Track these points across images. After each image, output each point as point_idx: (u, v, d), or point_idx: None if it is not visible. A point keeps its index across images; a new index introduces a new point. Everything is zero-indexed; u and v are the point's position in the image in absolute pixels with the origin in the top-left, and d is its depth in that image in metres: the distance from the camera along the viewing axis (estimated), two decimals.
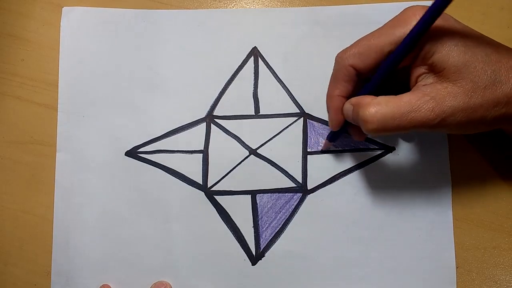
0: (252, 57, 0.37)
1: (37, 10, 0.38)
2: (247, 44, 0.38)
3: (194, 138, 0.37)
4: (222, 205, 0.36)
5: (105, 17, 0.38)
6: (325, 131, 0.37)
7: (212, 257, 0.36)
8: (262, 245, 0.36)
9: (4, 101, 0.38)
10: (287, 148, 0.36)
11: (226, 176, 0.36)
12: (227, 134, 0.37)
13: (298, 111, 0.37)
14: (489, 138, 0.36)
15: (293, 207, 0.36)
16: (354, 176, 0.36)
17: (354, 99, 0.30)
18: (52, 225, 0.36)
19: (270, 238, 0.36)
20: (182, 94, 0.37)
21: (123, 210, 0.36)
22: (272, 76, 0.37)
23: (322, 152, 0.36)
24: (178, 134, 0.37)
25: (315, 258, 0.35)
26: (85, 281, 0.35)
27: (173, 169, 0.36)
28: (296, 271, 0.35)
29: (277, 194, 0.36)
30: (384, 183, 0.36)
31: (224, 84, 0.37)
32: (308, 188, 0.36)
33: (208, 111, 0.37)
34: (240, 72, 0.37)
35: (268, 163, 0.36)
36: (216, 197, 0.36)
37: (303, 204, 0.36)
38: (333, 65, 0.32)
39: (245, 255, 0.35)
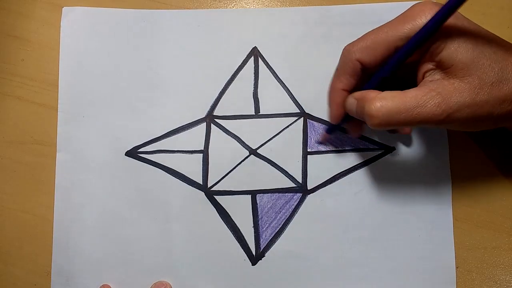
0: (252, 57, 0.37)
1: (37, 10, 0.38)
2: (247, 44, 0.38)
3: (194, 138, 0.37)
4: (222, 205, 0.36)
5: (105, 17, 0.38)
6: (325, 131, 0.36)
7: (212, 257, 0.36)
8: (262, 245, 0.36)
9: (4, 101, 0.38)
10: (287, 148, 0.36)
11: (226, 176, 0.36)
12: (227, 134, 0.37)
13: (298, 111, 0.37)
14: (489, 139, 0.36)
15: (293, 207, 0.36)
16: (354, 176, 0.36)
17: (358, 94, 0.30)
18: (52, 225, 0.36)
19: (270, 238, 0.36)
20: (182, 94, 0.37)
21: (123, 210, 0.36)
22: (272, 76, 0.37)
23: (322, 152, 0.36)
24: (178, 134, 0.37)
25: (315, 258, 0.35)
26: (85, 281, 0.35)
27: (173, 169, 0.36)
28: (296, 271, 0.35)
29: (277, 194, 0.36)
30: (384, 183, 0.36)
31: (224, 84, 0.37)
32: (308, 188, 0.36)
33: (208, 111, 0.37)
34: (240, 72, 0.37)
35: (268, 163, 0.36)
36: (216, 197, 0.36)
37: (303, 204, 0.36)
38: (339, 57, 0.32)
39: (245, 255, 0.35)
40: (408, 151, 0.36)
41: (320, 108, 0.37)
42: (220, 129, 0.37)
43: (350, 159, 0.36)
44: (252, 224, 0.36)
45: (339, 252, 0.35)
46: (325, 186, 0.36)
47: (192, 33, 0.38)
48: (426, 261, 0.35)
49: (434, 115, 0.27)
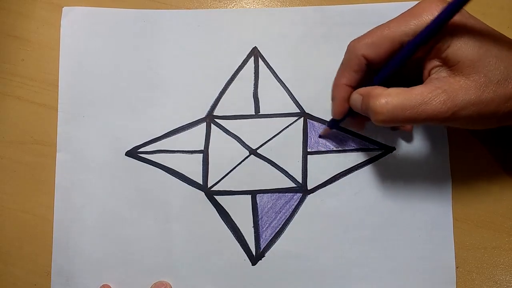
0: (252, 57, 0.37)
1: (37, 10, 0.38)
2: (247, 44, 0.38)
3: (194, 138, 0.37)
4: (222, 205, 0.36)
5: (105, 17, 0.38)
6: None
7: (212, 257, 0.36)
8: (262, 245, 0.36)
9: (4, 101, 0.38)
10: (287, 148, 0.36)
11: (226, 176, 0.36)
12: (227, 134, 0.37)
13: (298, 111, 0.37)
14: (489, 138, 0.36)
15: (293, 207, 0.36)
16: (354, 176, 0.36)
17: (363, 90, 0.30)
18: (52, 225, 0.36)
19: (270, 238, 0.36)
20: (182, 94, 0.37)
21: (123, 210, 0.36)
22: (272, 76, 0.37)
23: (322, 152, 0.36)
24: (178, 134, 0.37)
25: (315, 258, 0.35)
26: (85, 281, 0.35)
27: (173, 169, 0.36)
28: (296, 271, 0.35)
29: (277, 194, 0.36)
30: (384, 183, 0.36)
31: (224, 84, 0.37)
32: (308, 188, 0.36)
33: (208, 111, 0.37)
34: (240, 72, 0.37)
35: (268, 163, 0.36)
36: (216, 197, 0.36)
37: (303, 204, 0.36)
38: (344, 53, 0.32)
39: (245, 255, 0.35)
40: (408, 151, 0.36)
41: (320, 108, 0.37)
42: (220, 129, 0.37)
43: (350, 159, 0.36)
44: (252, 224, 0.36)
45: (339, 252, 0.35)
46: (325, 186, 0.36)
47: (192, 33, 0.38)
48: (426, 261, 0.35)
49: (439, 113, 0.27)
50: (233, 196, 0.36)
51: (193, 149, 0.37)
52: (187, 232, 0.36)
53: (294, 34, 0.37)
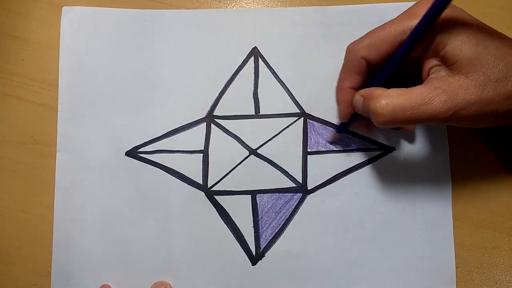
0: (252, 57, 0.37)
1: (37, 10, 0.38)
2: (247, 44, 0.38)
3: (194, 138, 0.37)
4: (222, 205, 0.36)
5: (105, 17, 0.38)
6: (325, 131, 0.37)
7: (212, 257, 0.36)
8: (262, 245, 0.36)
9: (4, 101, 0.38)
10: (287, 148, 0.36)
11: (226, 176, 0.36)
12: (227, 134, 0.37)
13: (298, 111, 0.37)
14: (489, 138, 0.36)
15: (293, 207, 0.36)
16: (354, 176, 0.36)
17: (364, 91, 0.30)
18: (52, 225, 0.36)
19: (270, 238, 0.36)
20: (182, 94, 0.37)
21: (123, 210, 0.36)
22: (272, 76, 0.37)
23: (322, 152, 0.36)
24: (178, 134, 0.37)
25: (315, 258, 0.35)
26: (85, 281, 0.35)
27: (173, 169, 0.36)
28: (297, 271, 0.35)
29: (277, 194, 0.36)
30: (384, 183, 0.36)
31: (224, 84, 0.37)
32: (308, 188, 0.36)
33: (208, 111, 0.37)
34: (240, 72, 0.37)
35: (268, 163, 0.36)
36: (216, 197, 0.36)
37: (303, 204, 0.36)
38: (344, 56, 0.32)
39: (245, 255, 0.35)
40: (408, 151, 0.36)
41: (320, 108, 0.37)
42: (220, 129, 0.37)
43: (350, 159, 0.36)
44: (252, 224, 0.36)
45: (339, 252, 0.35)
46: (325, 186, 0.36)
47: (192, 33, 0.38)
48: (426, 261, 0.35)
49: (440, 113, 0.27)
50: (233, 196, 0.36)
51: (193, 149, 0.37)
52: (187, 232, 0.36)
53: (294, 34, 0.37)
